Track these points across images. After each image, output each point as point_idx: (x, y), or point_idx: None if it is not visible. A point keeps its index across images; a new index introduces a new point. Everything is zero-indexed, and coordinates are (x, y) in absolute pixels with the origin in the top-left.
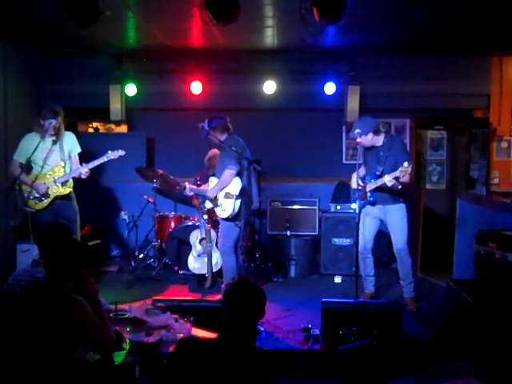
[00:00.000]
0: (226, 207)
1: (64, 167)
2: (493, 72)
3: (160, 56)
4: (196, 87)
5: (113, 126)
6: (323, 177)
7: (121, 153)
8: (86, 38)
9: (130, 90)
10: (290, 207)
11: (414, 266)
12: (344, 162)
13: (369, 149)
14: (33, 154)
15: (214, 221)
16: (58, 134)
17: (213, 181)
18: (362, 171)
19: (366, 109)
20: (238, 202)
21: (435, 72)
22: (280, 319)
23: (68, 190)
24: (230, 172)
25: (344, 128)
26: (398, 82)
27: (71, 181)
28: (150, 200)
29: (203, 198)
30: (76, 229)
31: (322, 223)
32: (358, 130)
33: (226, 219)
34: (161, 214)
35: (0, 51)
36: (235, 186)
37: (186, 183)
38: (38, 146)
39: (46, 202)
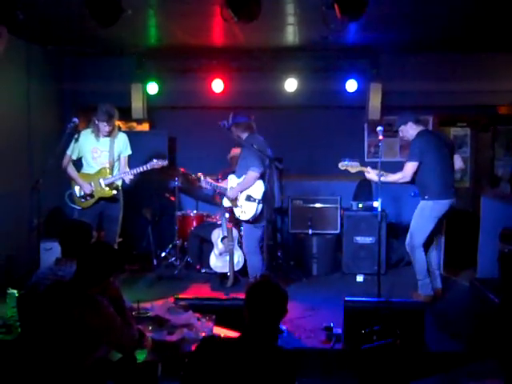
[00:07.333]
0: (247, 210)
1: (111, 169)
2: None
3: (181, 54)
4: (217, 85)
5: (134, 124)
6: (345, 175)
7: (165, 163)
8: (108, 37)
9: (152, 88)
10: (311, 205)
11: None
12: (366, 159)
13: None
14: (84, 151)
15: (235, 219)
16: (110, 136)
17: (232, 179)
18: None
19: (388, 106)
20: (260, 206)
21: (459, 69)
22: (302, 318)
23: (112, 192)
24: (254, 174)
25: (366, 126)
26: (421, 79)
27: (117, 183)
28: (172, 198)
29: (222, 194)
30: (116, 226)
31: (343, 221)
32: None
33: (247, 221)
34: (182, 212)
35: (24, 51)
36: (258, 189)
37: (200, 174)
38: (90, 144)
39: (91, 201)
